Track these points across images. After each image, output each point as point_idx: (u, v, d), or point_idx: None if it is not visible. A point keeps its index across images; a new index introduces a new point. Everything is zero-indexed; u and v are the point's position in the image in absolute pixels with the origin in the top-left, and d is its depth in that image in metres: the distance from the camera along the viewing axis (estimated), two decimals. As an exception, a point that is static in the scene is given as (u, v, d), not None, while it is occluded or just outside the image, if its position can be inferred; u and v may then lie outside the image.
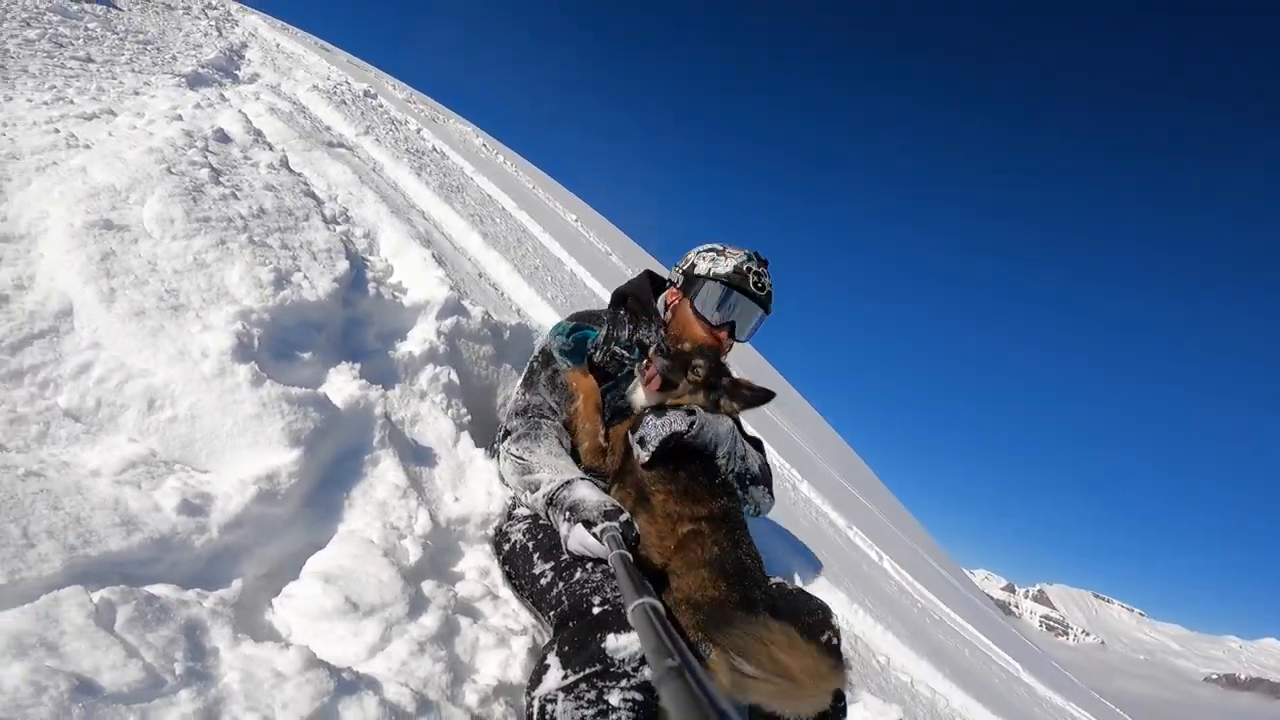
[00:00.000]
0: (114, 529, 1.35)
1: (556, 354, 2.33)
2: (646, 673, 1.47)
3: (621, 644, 1.51)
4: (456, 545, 2.17)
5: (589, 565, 1.76)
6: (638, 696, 1.45)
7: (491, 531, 2.22)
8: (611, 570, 1.62)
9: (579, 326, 2.38)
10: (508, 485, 2.19)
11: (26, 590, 1.14)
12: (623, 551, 1.54)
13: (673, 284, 2.46)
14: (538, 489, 1.93)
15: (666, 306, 2.45)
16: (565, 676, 1.48)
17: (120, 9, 6.89)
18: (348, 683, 1.37)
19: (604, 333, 2.35)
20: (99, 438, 1.61)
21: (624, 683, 1.45)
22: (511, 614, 2.00)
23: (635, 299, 2.46)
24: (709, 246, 2.43)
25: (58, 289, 1.79)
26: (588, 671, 1.47)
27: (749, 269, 2.32)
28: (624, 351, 2.30)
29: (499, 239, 5.71)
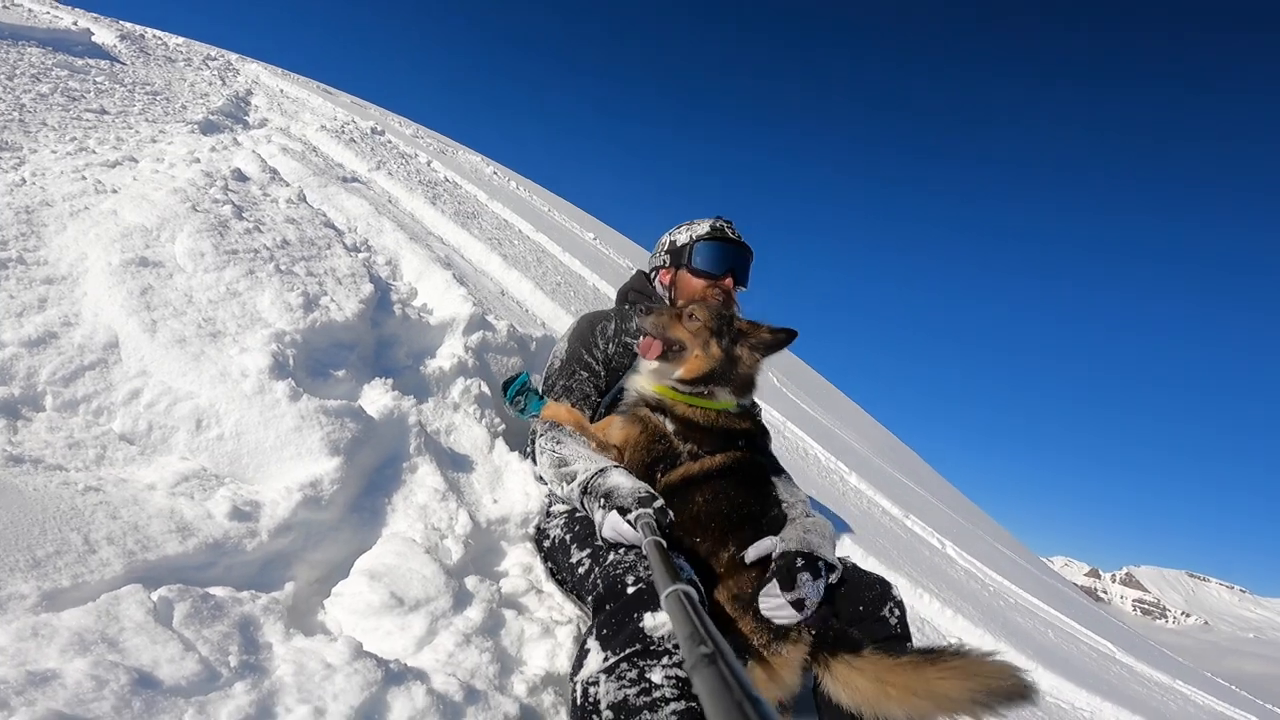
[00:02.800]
0: (170, 535, 1.49)
1: (524, 412, 2.47)
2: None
3: (660, 621, 1.56)
4: (499, 544, 2.30)
5: (621, 549, 1.83)
6: (680, 673, 1.48)
7: (532, 530, 2.34)
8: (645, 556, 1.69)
9: (509, 381, 2.52)
10: (545, 481, 2.29)
11: (90, 592, 1.27)
12: (657, 538, 1.56)
13: (660, 267, 2.64)
14: (574, 479, 2.00)
15: (665, 289, 2.62)
16: (606, 659, 1.53)
17: (124, 63, 7.31)
18: (395, 673, 1.47)
19: (614, 326, 2.51)
20: (153, 458, 1.77)
21: (665, 660, 1.50)
22: (556, 606, 2.10)
23: (636, 291, 2.65)
24: (677, 225, 2.65)
25: (103, 323, 1.99)
26: (628, 651, 1.51)
27: (722, 224, 2.57)
28: (634, 340, 2.42)
29: (519, 259, 5.91)
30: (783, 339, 2.21)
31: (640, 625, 1.55)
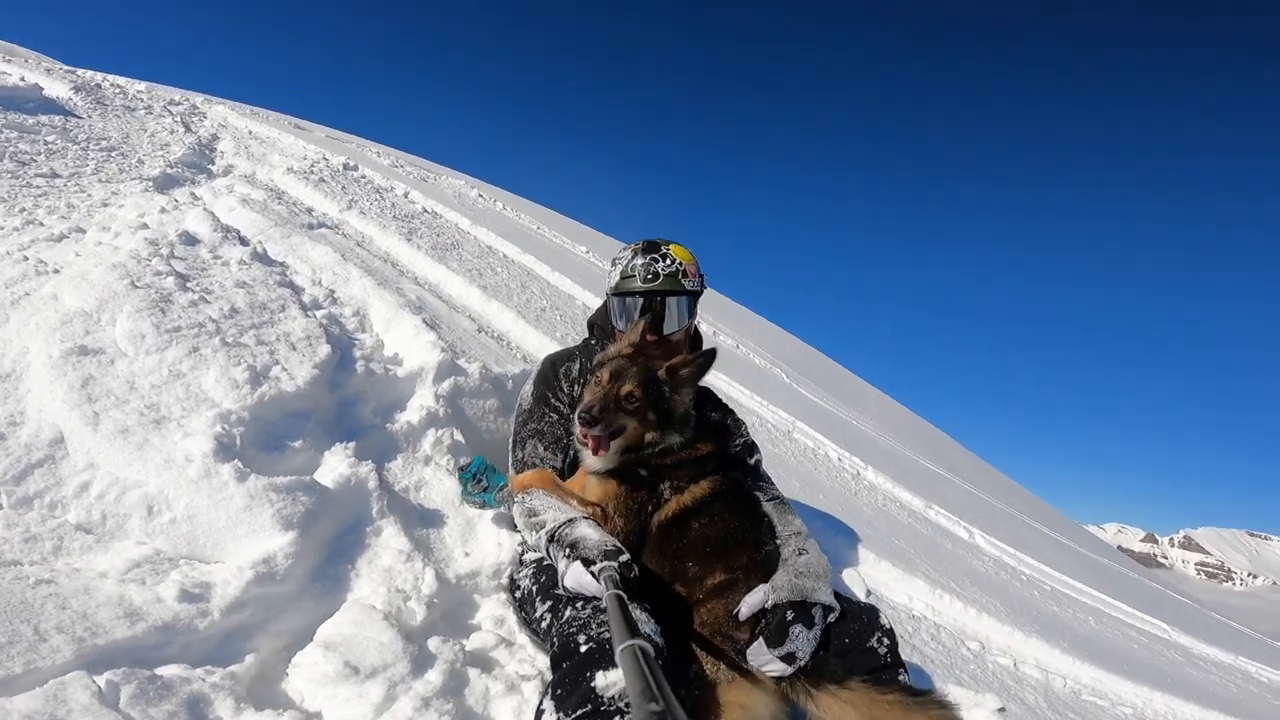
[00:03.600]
0: (119, 621, 1.62)
1: (488, 492, 2.66)
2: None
3: (611, 680, 1.63)
4: (471, 598, 2.40)
5: (579, 603, 1.90)
6: None
7: (505, 580, 2.43)
8: (604, 609, 1.73)
9: (464, 467, 2.77)
10: (520, 531, 2.37)
11: (40, 678, 1.40)
12: (618, 592, 1.60)
13: None
14: (542, 528, 2.09)
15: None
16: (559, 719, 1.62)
17: (79, 116, 7.53)
18: None
19: (578, 365, 2.61)
20: (110, 545, 1.91)
21: None
22: (528, 659, 2.19)
23: (599, 326, 2.75)
24: (612, 260, 2.67)
25: (47, 420, 2.14)
26: (578, 713, 1.60)
27: (634, 269, 2.53)
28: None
29: (500, 289, 6.03)
30: (702, 363, 2.30)
31: (592, 685, 1.63)
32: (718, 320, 9.65)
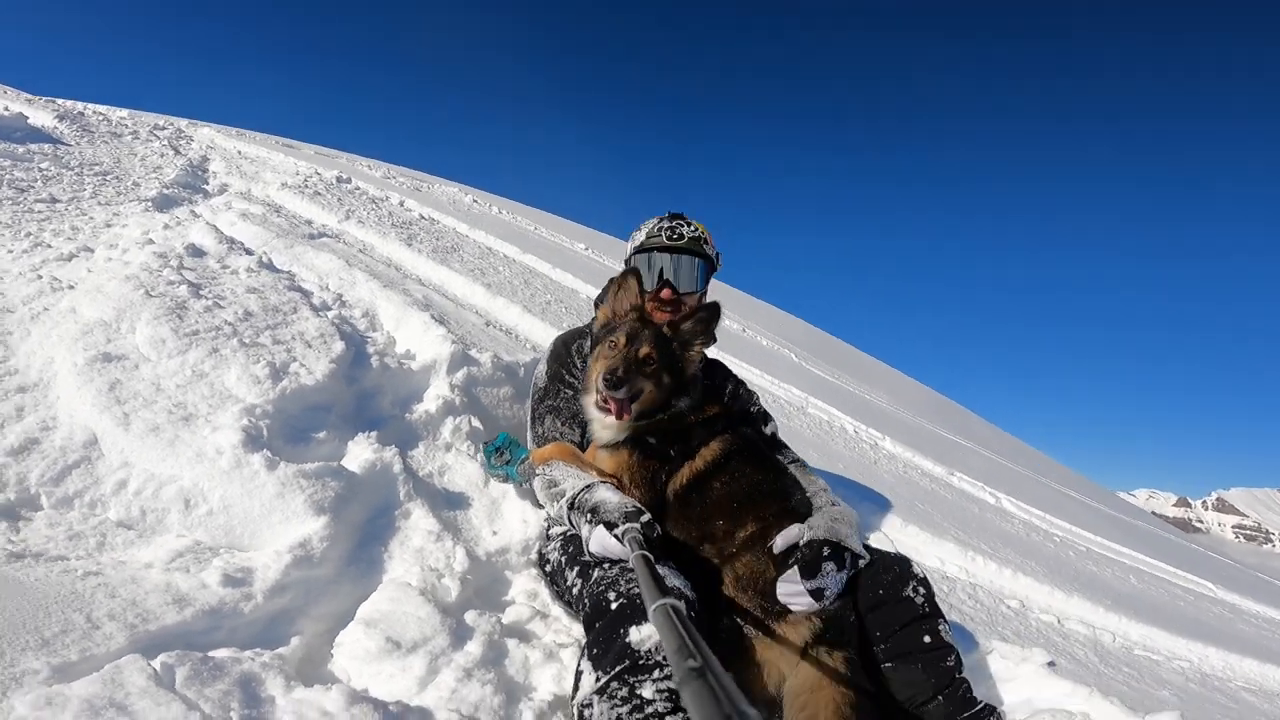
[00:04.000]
0: (167, 607, 1.70)
1: (510, 465, 2.74)
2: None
3: (646, 634, 1.65)
4: (503, 574, 2.47)
5: (606, 565, 1.93)
6: (672, 685, 1.57)
7: (534, 555, 2.51)
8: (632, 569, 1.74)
9: (489, 442, 2.89)
10: (541, 503, 2.44)
11: (96, 664, 1.47)
12: (643, 552, 1.62)
13: None
14: (562, 497, 2.16)
15: None
16: (597, 679, 1.64)
17: (68, 144, 7.67)
18: (395, 715, 1.62)
19: (590, 342, 2.67)
20: (151, 539, 2.00)
21: (655, 674, 1.59)
22: (563, 629, 2.26)
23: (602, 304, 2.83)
24: (636, 228, 2.81)
25: (79, 423, 2.23)
26: (617, 669, 1.62)
27: (660, 228, 2.71)
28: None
29: (504, 285, 6.14)
30: (705, 317, 2.36)
31: (627, 641, 1.66)
32: (725, 308, 9.73)
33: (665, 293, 2.64)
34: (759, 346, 8.57)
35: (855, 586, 2.09)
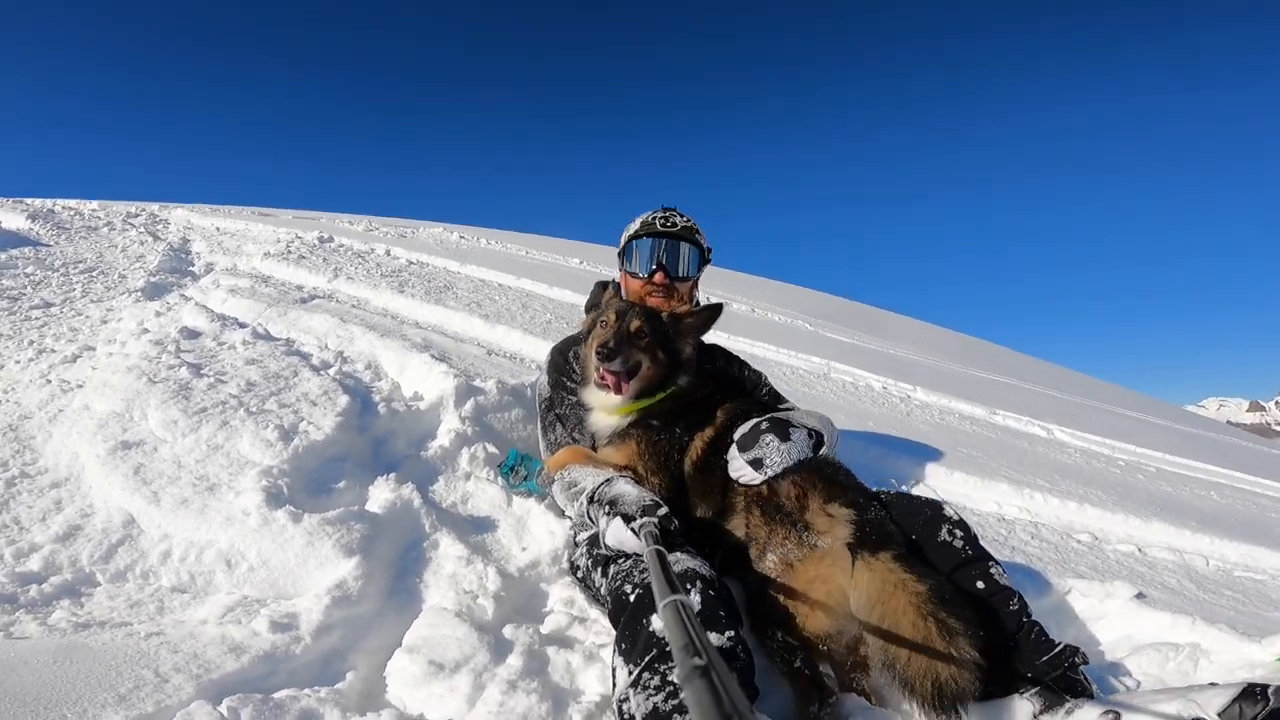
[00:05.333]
0: (226, 656, 1.93)
1: (529, 480, 2.95)
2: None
3: None
4: (538, 587, 2.65)
5: (621, 558, 2.07)
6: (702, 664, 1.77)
7: (565, 564, 2.68)
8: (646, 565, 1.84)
9: (502, 464, 3.10)
10: (562, 507, 2.63)
11: (170, 713, 1.69)
12: (658, 547, 1.66)
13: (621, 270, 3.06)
14: (582, 494, 2.30)
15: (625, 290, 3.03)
16: (630, 673, 1.73)
17: (47, 244, 8.06)
18: None
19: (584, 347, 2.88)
20: (205, 599, 2.25)
21: None
22: (603, 630, 2.40)
23: (594, 306, 3.03)
24: (629, 223, 3.03)
25: (115, 506, 2.53)
26: (646, 659, 1.71)
27: (654, 217, 2.94)
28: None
29: (502, 314, 6.40)
30: (707, 316, 2.60)
31: (651, 630, 1.76)
32: (729, 292, 9.91)
33: (659, 276, 2.86)
34: (771, 323, 8.76)
35: (891, 523, 2.16)
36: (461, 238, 12.26)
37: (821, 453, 2.31)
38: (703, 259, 2.98)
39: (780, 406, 2.81)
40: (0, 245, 7.52)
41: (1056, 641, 2.05)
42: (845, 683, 2.07)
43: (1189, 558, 3.36)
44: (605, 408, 2.50)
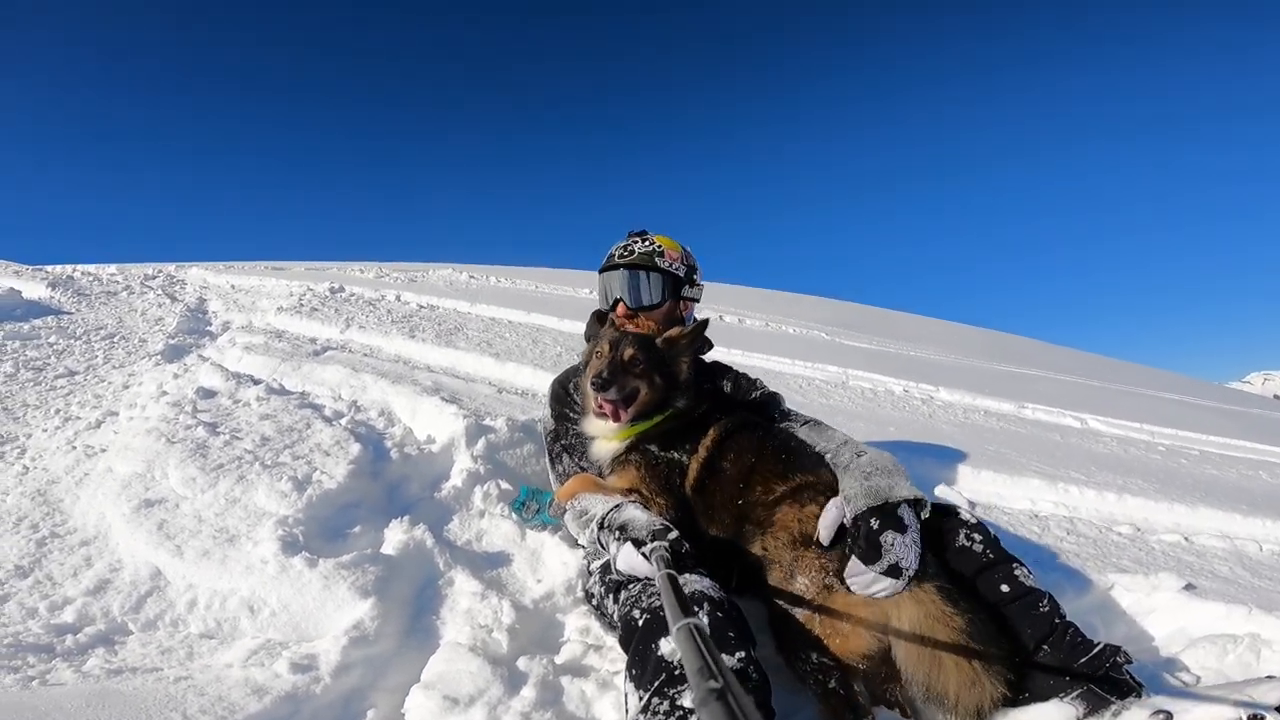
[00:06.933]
0: (249, 698, 2.04)
1: (540, 513, 3.07)
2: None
3: (675, 645, 1.81)
4: (554, 618, 2.74)
5: (632, 584, 2.11)
6: (714, 686, 1.81)
7: (580, 593, 2.77)
8: (658, 589, 1.83)
9: (509, 499, 3.26)
10: (575, 536, 2.65)
11: None
12: (669, 571, 1.66)
13: None
14: (591, 520, 2.31)
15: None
16: (640, 698, 1.75)
17: (68, 312, 8.38)
18: None
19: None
20: (231, 644, 2.39)
21: None
22: (618, 657, 2.42)
23: (592, 336, 3.12)
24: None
25: (141, 560, 2.71)
26: (656, 684, 1.73)
27: (615, 249, 3.05)
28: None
29: (512, 351, 6.57)
30: (696, 331, 2.70)
31: (660, 654, 1.79)
32: (742, 309, 10.04)
33: (619, 309, 2.96)
34: (786, 335, 8.88)
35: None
36: (471, 277, 12.56)
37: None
38: (674, 280, 2.99)
39: (789, 414, 2.88)
40: (24, 315, 7.82)
41: (1095, 641, 2.02)
42: (878, 695, 2.09)
43: (1240, 543, 3.30)
44: (605, 435, 2.58)
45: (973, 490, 3.89)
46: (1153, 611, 2.54)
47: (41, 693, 2.01)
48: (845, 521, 2.05)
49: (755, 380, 3.08)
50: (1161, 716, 1.77)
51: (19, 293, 8.98)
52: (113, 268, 12.74)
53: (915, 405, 5.84)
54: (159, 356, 6.09)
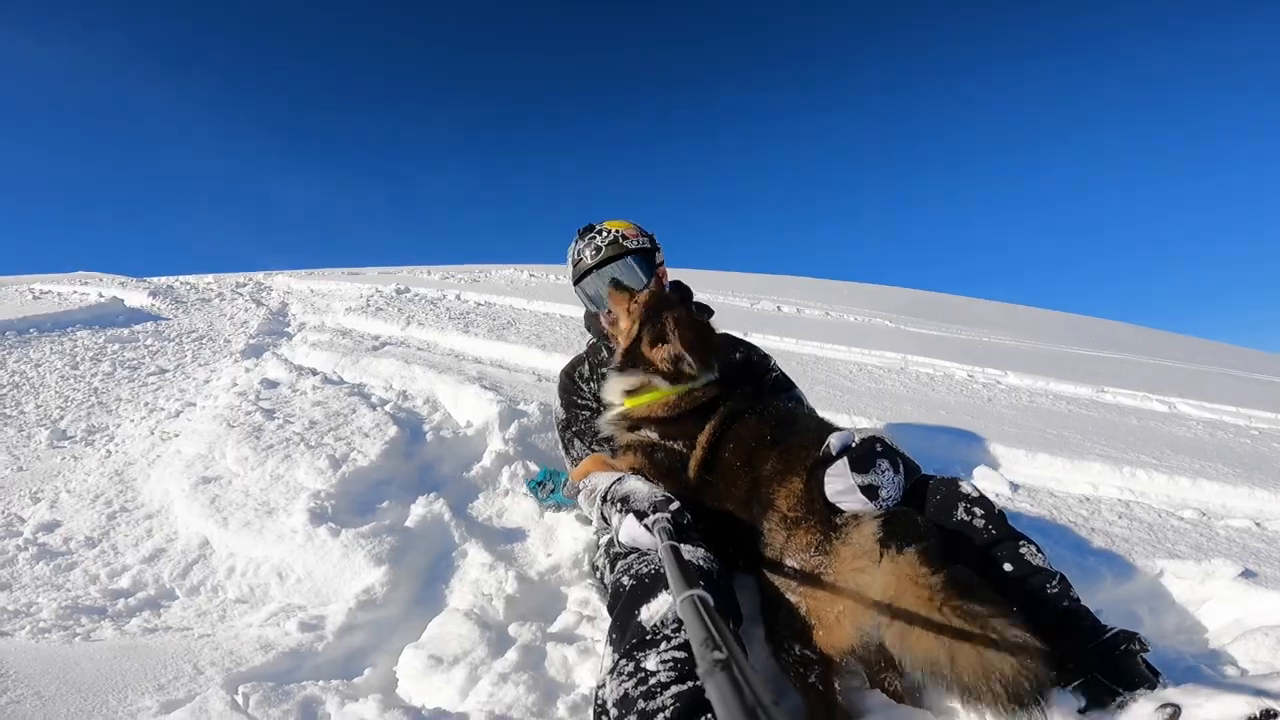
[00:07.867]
0: (256, 652, 2.30)
1: (556, 493, 3.21)
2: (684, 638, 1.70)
3: (654, 610, 1.80)
4: (558, 590, 2.89)
5: (629, 554, 2.11)
6: (679, 655, 1.70)
7: (587, 567, 2.89)
8: (660, 560, 1.87)
9: (530, 479, 3.41)
10: (586, 514, 2.77)
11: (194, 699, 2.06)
12: (671, 543, 1.66)
13: None
14: (595, 492, 2.36)
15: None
16: (612, 659, 1.79)
17: (166, 318, 9.20)
18: (426, 718, 2.05)
19: (588, 364, 3.14)
20: (260, 607, 2.67)
21: (662, 646, 1.73)
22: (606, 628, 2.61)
23: (592, 327, 3.26)
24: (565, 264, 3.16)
25: (193, 531, 3.11)
26: (627, 646, 1.77)
27: (579, 252, 3.05)
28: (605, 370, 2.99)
29: (560, 343, 6.82)
30: (697, 307, 2.80)
31: (638, 620, 1.81)
32: (804, 299, 10.04)
33: (632, 295, 2.89)
34: (846, 325, 8.85)
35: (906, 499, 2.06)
36: (531, 275, 12.97)
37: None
38: (647, 256, 3.01)
39: (799, 400, 2.92)
40: (126, 322, 8.65)
41: (1109, 626, 1.89)
42: (875, 682, 2.04)
43: (1323, 531, 3.08)
44: (619, 395, 2.57)
45: (1024, 473, 3.85)
46: (1207, 600, 2.44)
47: (80, 647, 2.31)
48: (852, 442, 2.02)
49: (768, 357, 3.09)
50: (1169, 710, 1.61)
51: (122, 301, 9.90)
52: (209, 277, 13.76)
53: (975, 390, 5.75)
54: (238, 355, 6.68)
